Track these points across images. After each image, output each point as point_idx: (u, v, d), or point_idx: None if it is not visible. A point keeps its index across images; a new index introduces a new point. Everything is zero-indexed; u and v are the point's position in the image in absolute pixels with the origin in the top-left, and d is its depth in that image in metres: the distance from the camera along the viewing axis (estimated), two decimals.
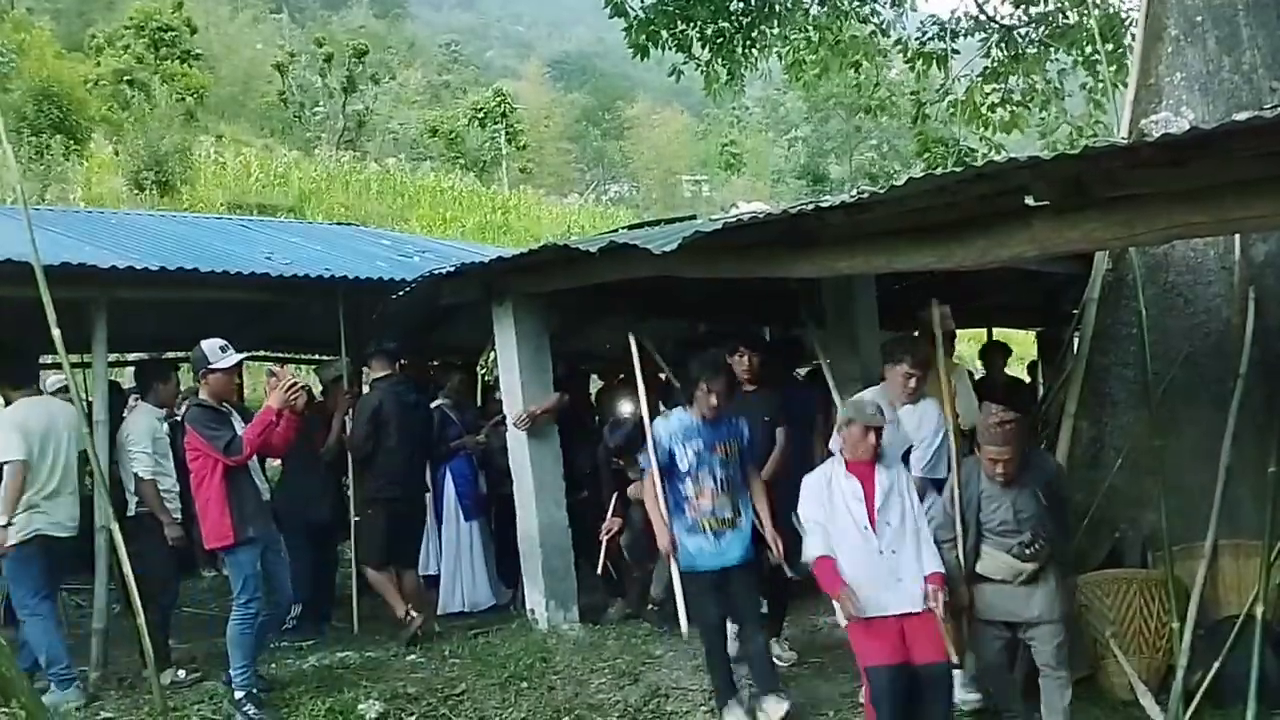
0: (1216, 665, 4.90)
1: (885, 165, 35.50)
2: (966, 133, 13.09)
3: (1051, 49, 11.68)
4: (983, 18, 12.04)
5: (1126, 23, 10.87)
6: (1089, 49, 11.08)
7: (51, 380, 8.71)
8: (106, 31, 36.04)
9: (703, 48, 11.44)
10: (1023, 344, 11.89)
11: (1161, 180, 3.62)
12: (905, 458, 5.05)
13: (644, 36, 10.93)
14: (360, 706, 5.32)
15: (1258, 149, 3.31)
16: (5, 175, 12.67)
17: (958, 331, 8.52)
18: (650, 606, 6.51)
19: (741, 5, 11.32)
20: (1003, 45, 11.92)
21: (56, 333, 5.00)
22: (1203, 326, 5.79)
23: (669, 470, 5.16)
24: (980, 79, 12.14)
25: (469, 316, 7.64)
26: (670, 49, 11.22)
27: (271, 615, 5.73)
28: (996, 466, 4.50)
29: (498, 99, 41.03)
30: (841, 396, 5.88)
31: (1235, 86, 5.94)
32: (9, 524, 5.53)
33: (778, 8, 11.39)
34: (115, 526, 5.30)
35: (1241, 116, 3.15)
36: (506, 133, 39.78)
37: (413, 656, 6.26)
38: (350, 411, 7.10)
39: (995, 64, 12.02)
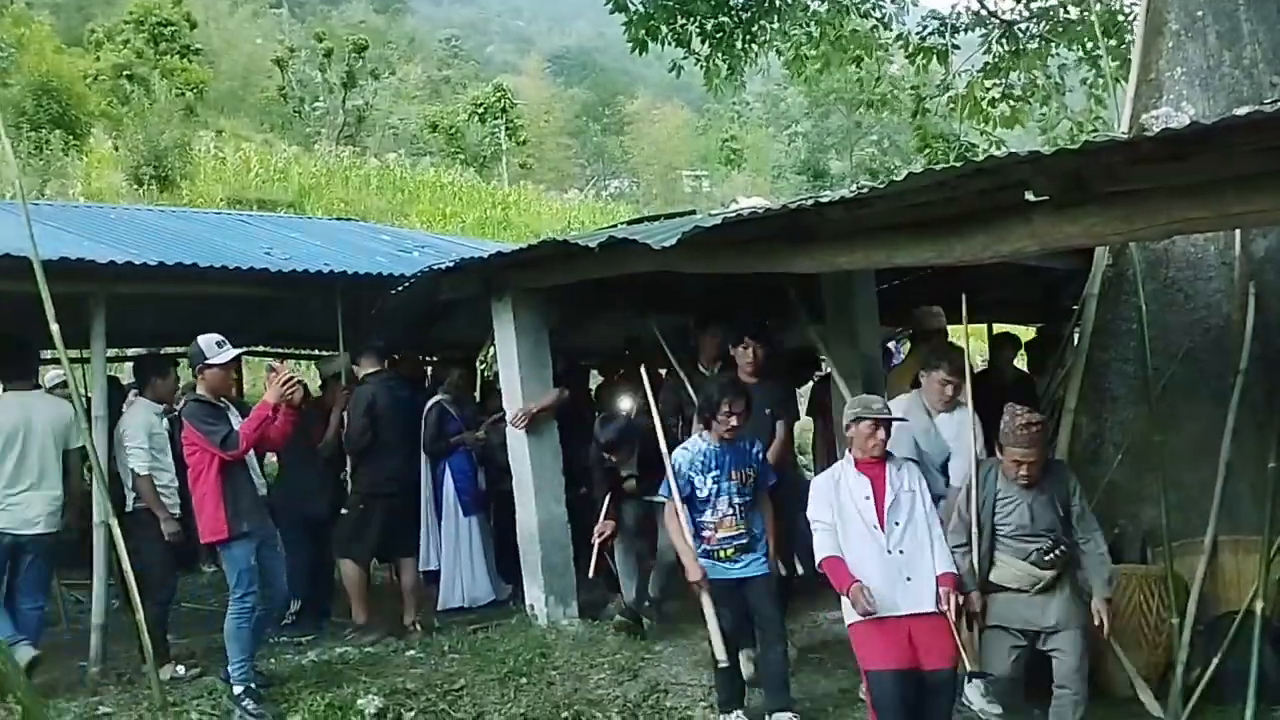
0: (1216, 661, 4.92)
1: (886, 160, 35.50)
2: (967, 128, 13.07)
3: (1052, 44, 11.67)
4: (983, 13, 12.02)
5: (1128, 17, 10.85)
6: (1090, 44, 11.06)
7: (51, 375, 8.71)
8: (106, 26, 36.01)
9: (702, 43, 11.42)
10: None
11: (1162, 175, 3.61)
12: (944, 467, 5.02)
13: (643, 31, 10.91)
14: (359, 701, 5.32)
15: (1258, 144, 3.30)
16: (4, 170, 12.66)
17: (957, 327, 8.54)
18: (646, 603, 6.45)
19: (741, 0, 11.30)
20: (1003, 40, 11.90)
21: (55, 328, 5.01)
22: (1203, 322, 5.78)
23: (688, 500, 5.13)
24: (981, 74, 12.13)
25: (468, 312, 7.62)
26: (670, 44, 11.20)
27: (267, 610, 5.72)
28: (1020, 469, 4.40)
29: (498, 94, 40.98)
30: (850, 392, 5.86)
31: (1236, 81, 5.93)
32: None
33: (778, 3, 11.37)
34: (114, 522, 5.31)
35: (1242, 111, 3.14)
36: (506, 128, 39.75)
37: (412, 652, 6.26)
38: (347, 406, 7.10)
39: (996, 59, 12.00)
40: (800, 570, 5.58)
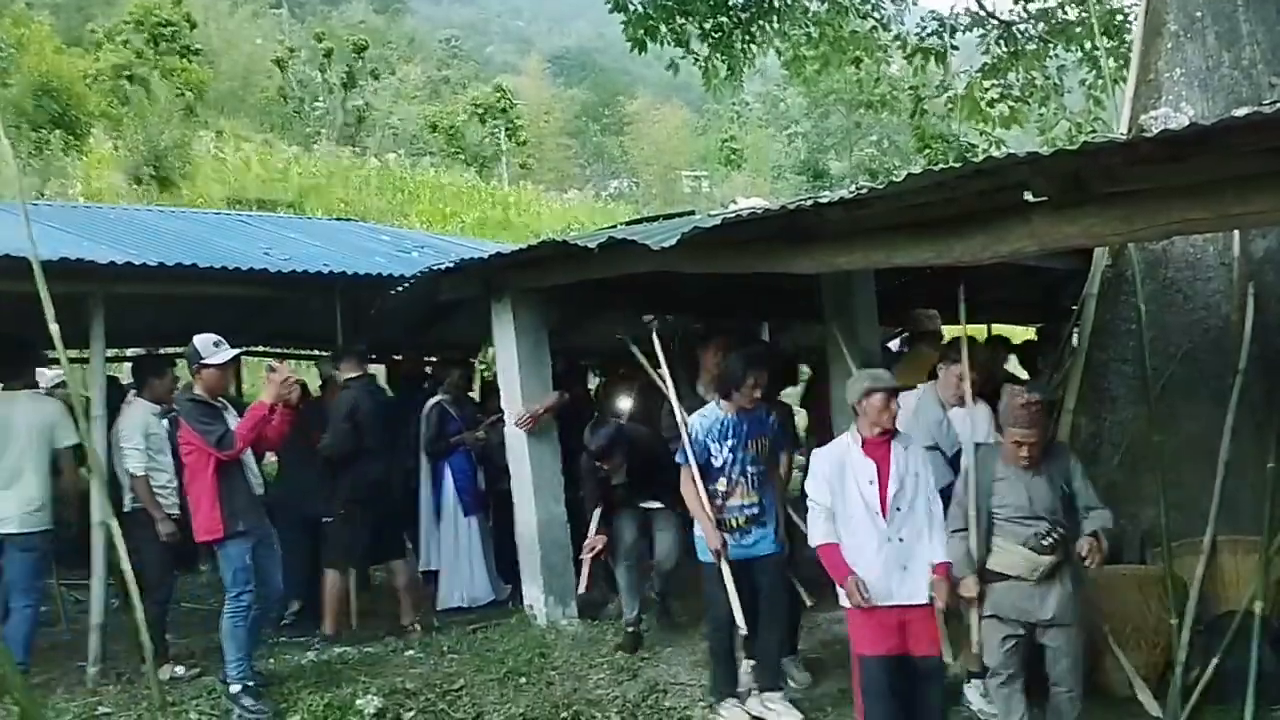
0: (1215, 661, 4.91)
1: (885, 161, 35.46)
2: (966, 128, 13.08)
3: (1051, 45, 11.67)
4: (982, 13, 12.03)
5: (1128, 18, 10.86)
6: (1089, 45, 11.07)
7: (50, 375, 8.70)
8: (106, 26, 35.97)
9: (702, 43, 11.43)
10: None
11: (1161, 176, 3.62)
12: (955, 461, 4.98)
13: (642, 31, 10.91)
14: (359, 701, 5.32)
15: (1257, 144, 3.30)
16: (4, 170, 12.66)
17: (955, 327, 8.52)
18: (653, 595, 6.41)
19: (740, 0, 11.31)
20: (1002, 41, 11.90)
21: (54, 328, 4.99)
22: (1202, 322, 5.78)
23: (702, 467, 5.13)
24: (979, 75, 12.13)
25: (468, 312, 7.63)
26: (669, 44, 11.20)
27: (263, 610, 5.73)
28: (1021, 450, 4.31)
29: (498, 94, 41.00)
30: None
31: (1235, 82, 5.93)
32: None
33: (777, 3, 11.37)
34: (114, 522, 5.31)
35: (1241, 112, 3.14)
36: (506, 128, 39.76)
37: (411, 651, 6.27)
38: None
39: (994, 60, 12.01)
40: (809, 603, 5.52)
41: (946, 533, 4.47)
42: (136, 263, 6.13)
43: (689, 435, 5.17)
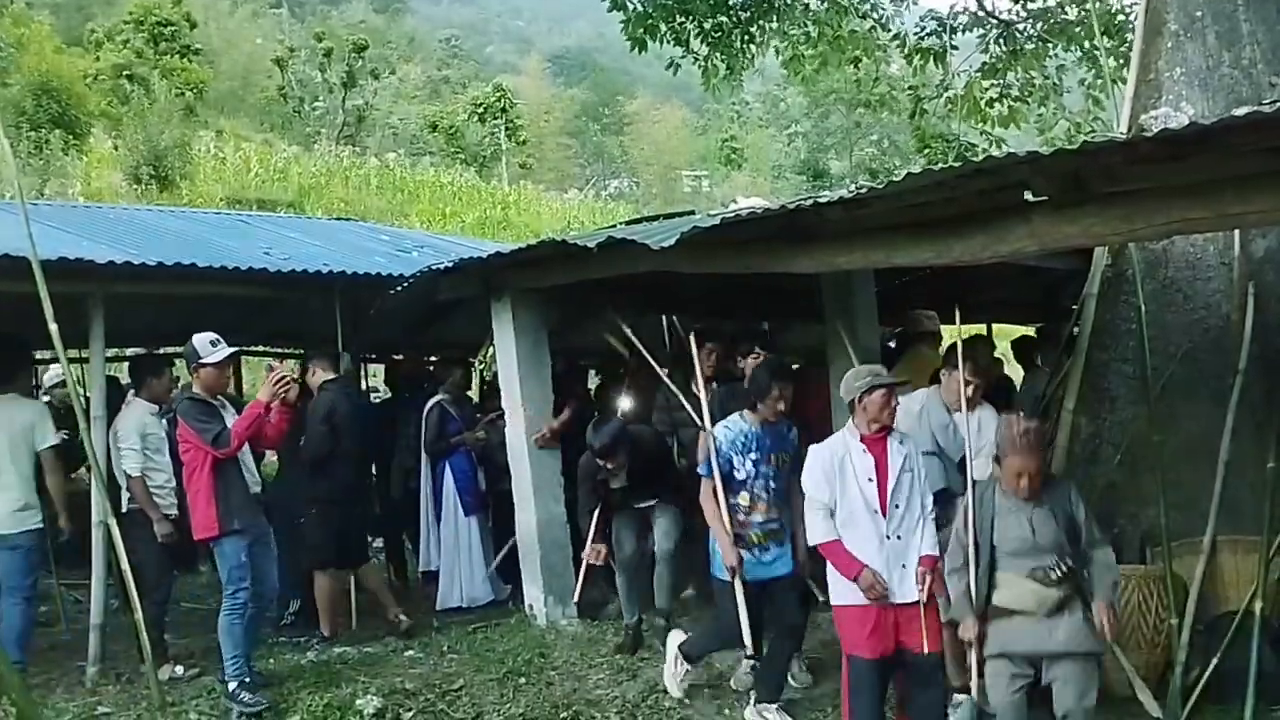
0: (1215, 661, 4.90)
1: (885, 160, 35.52)
2: (966, 128, 13.07)
3: (1050, 44, 11.66)
4: (981, 13, 12.02)
5: (1128, 17, 10.85)
6: (1089, 44, 11.06)
7: (49, 375, 8.70)
8: (106, 26, 36.04)
9: (701, 42, 11.42)
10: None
11: (1161, 175, 3.61)
12: (961, 465, 4.95)
13: (641, 30, 10.91)
14: (358, 702, 5.32)
15: (1257, 144, 3.30)
16: (4, 170, 12.66)
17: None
18: (659, 624, 6.09)
19: (740, 0, 11.30)
20: (1001, 41, 11.89)
21: (54, 328, 5.00)
22: (1202, 322, 5.78)
23: (724, 480, 5.05)
24: (979, 74, 12.12)
25: (467, 312, 7.63)
26: (668, 43, 11.20)
27: (259, 608, 5.73)
28: (1021, 480, 4.13)
29: (497, 94, 41.02)
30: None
31: (1235, 81, 5.92)
32: None
33: (776, 2, 11.36)
34: (113, 522, 5.31)
35: (1241, 111, 3.14)
36: (506, 128, 39.79)
37: (411, 652, 6.27)
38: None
39: (993, 59, 12.00)
40: (821, 599, 5.48)
41: (935, 527, 4.43)
42: (136, 262, 6.12)
43: (714, 446, 5.07)
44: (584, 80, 66.30)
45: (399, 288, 6.97)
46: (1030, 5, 11.82)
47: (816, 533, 4.44)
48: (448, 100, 46.27)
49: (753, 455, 5.03)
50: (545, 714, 5.26)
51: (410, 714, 5.31)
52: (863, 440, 4.43)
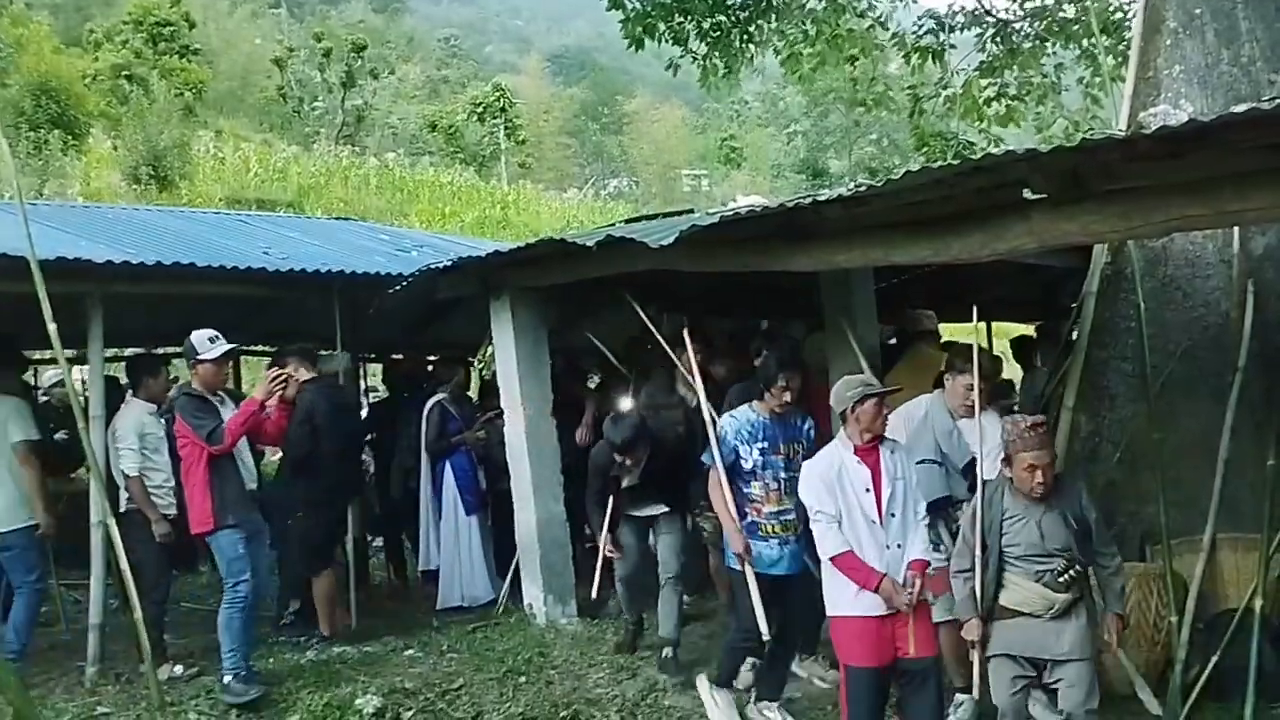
0: (1215, 659, 4.90)
1: (885, 159, 35.52)
2: (964, 126, 13.07)
3: (1047, 43, 11.66)
4: (979, 11, 12.01)
5: (1126, 15, 10.85)
6: (1087, 42, 11.06)
7: (49, 375, 8.70)
8: (105, 26, 36.06)
9: (700, 41, 11.41)
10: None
11: (1160, 173, 3.61)
12: (967, 469, 4.91)
13: (640, 29, 10.90)
14: (358, 701, 5.32)
15: (1256, 141, 3.30)
16: (3, 170, 12.66)
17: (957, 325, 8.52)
18: (665, 654, 5.78)
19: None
20: (998, 39, 11.88)
21: (53, 327, 5.00)
22: (1201, 320, 5.78)
23: (732, 470, 5.01)
24: (977, 73, 12.12)
25: (466, 311, 7.63)
26: (667, 42, 11.19)
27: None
28: (1035, 475, 4.11)
29: (497, 94, 41.05)
30: None
31: (1234, 79, 5.92)
32: None
33: (775, 1, 11.35)
34: (112, 522, 5.31)
35: (1240, 109, 3.14)
36: (505, 128, 39.82)
37: (410, 651, 6.26)
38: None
39: (991, 58, 11.99)
40: None
41: (925, 530, 4.40)
42: (135, 262, 6.11)
43: (718, 436, 5.05)
44: (583, 79, 66.33)
45: (398, 287, 6.96)
46: (1028, 4, 11.82)
47: (828, 545, 4.33)
48: (447, 100, 46.31)
49: (760, 445, 4.99)
50: (545, 713, 5.26)
51: (410, 713, 5.31)
52: (856, 451, 4.39)
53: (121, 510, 5.94)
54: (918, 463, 4.79)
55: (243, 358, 10.53)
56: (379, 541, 8.97)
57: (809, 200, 4.39)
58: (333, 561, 6.77)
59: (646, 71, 48.44)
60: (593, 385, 8.25)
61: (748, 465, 5.00)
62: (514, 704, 5.36)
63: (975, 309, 5.33)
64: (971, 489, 4.80)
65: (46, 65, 25.14)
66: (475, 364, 8.94)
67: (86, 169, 22.62)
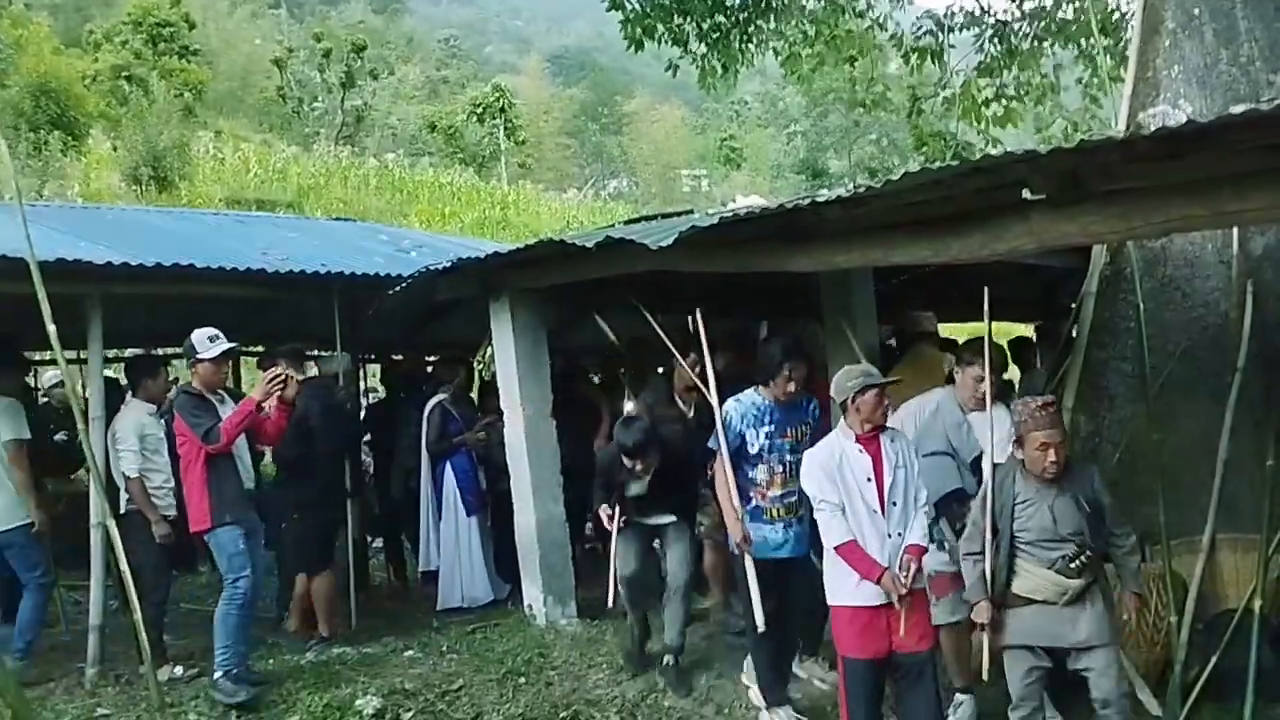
0: (1215, 659, 4.90)
1: (885, 160, 35.52)
2: (964, 126, 13.05)
3: (1046, 43, 11.65)
4: (978, 11, 12.00)
5: (1125, 15, 10.85)
6: (1087, 42, 11.05)
7: (48, 376, 8.69)
8: (104, 27, 36.07)
9: (699, 42, 11.41)
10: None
11: (1159, 173, 3.61)
12: (975, 464, 4.88)
13: (639, 30, 10.90)
14: (358, 702, 5.32)
15: (1255, 142, 3.30)
16: (2, 171, 12.66)
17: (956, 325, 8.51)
18: (667, 661, 5.66)
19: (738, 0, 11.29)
20: (997, 40, 11.87)
21: (52, 328, 4.99)
22: (1201, 320, 5.77)
23: (737, 454, 4.99)
24: (975, 74, 12.10)
25: (466, 312, 7.63)
26: (667, 43, 11.19)
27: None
28: (1048, 454, 4.11)
29: (496, 94, 41.07)
30: None
31: (1233, 79, 5.92)
32: None
33: (774, 2, 11.35)
34: (112, 523, 5.30)
35: (1239, 109, 3.14)
36: (505, 128, 39.84)
37: (410, 652, 6.26)
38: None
39: (989, 59, 11.98)
40: None
41: (925, 518, 4.41)
42: (134, 263, 6.11)
43: (723, 421, 5.01)
44: (583, 80, 66.37)
45: (397, 288, 6.96)
46: (1026, 4, 11.81)
47: (833, 534, 4.33)
48: (446, 100, 46.33)
49: (766, 428, 4.98)
50: (545, 714, 5.26)
51: (410, 714, 5.30)
52: (857, 440, 4.40)
53: (122, 511, 5.96)
54: (929, 454, 4.80)
55: (242, 358, 10.52)
56: (379, 542, 8.96)
57: (808, 201, 4.39)
58: (331, 562, 6.76)
59: (646, 72, 48.42)
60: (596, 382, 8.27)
61: (754, 449, 4.99)
62: (514, 705, 5.36)
63: (987, 303, 5.28)
64: (980, 484, 4.77)
65: (46, 66, 25.16)
66: (476, 364, 8.94)
67: (86, 170, 22.63)
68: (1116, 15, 11.16)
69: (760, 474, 5.00)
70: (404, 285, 6.92)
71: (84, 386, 6.89)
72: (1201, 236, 5.76)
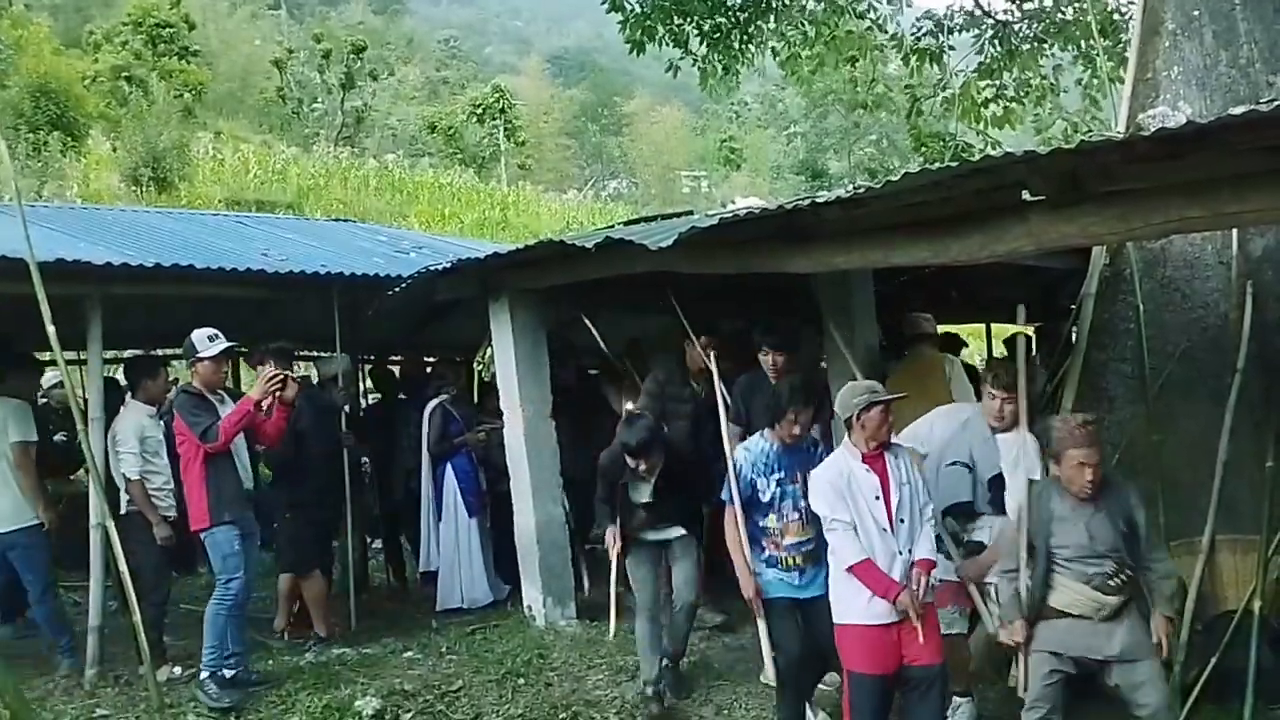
0: (1214, 660, 4.90)
1: (884, 160, 35.47)
2: (963, 127, 13.06)
3: (1046, 44, 11.66)
4: (978, 12, 12.00)
5: (1125, 16, 10.85)
6: (1086, 43, 11.06)
7: (47, 377, 8.68)
8: (104, 28, 36.04)
9: (700, 43, 11.41)
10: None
11: (1158, 174, 3.61)
12: (992, 482, 4.80)
13: (640, 31, 10.91)
14: (357, 703, 5.32)
15: (1254, 143, 3.30)
16: (2, 172, 12.67)
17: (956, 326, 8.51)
18: (665, 664, 5.48)
19: (738, 0, 11.29)
20: (996, 41, 11.88)
21: (52, 329, 5.00)
22: (1200, 321, 5.77)
23: (749, 503, 4.86)
24: (975, 75, 12.11)
25: (465, 312, 7.63)
26: (667, 44, 11.19)
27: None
28: (1085, 473, 4.10)
29: (496, 95, 41.05)
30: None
31: (1232, 81, 5.92)
32: None
33: (774, 3, 11.35)
34: (111, 524, 5.31)
35: (1238, 110, 3.14)
36: (505, 129, 39.82)
37: (409, 653, 6.27)
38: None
39: (989, 60, 11.98)
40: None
41: (933, 528, 4.40)
42: (134, 264, 6.11)
43: (734, 469, 4.88)
44: (583, 81, 66.36)
45: (397, 289, 6.97)
46: (1026, 5, 11.81)
47: (847, 553, 4.27)
48: (446, 101, 46.32)
49: (776, 475, 4.83)
50: (544, 715, 5.26)
51: (409, 715, 5.31)
52: (864, 459, 4.35)
53: (122, 512, 5.96)
54: (949, 464, 4.78)
55: (242, 359, 10.52)
56: (378, 543, 8.96)
57: (808, 202, 4.39)
58: (322, 563, 6.76)
59: (646, 73, 48.40)
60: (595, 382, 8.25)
61: (765, 497, 4.83)
62: (513, 706, 5.37)
63: (1023, 309, 5.13)
64: (991, 503, 4.78)
65: (46, 67, 25.12)
66: (476, 365, 8.94)
67: (86, 170, 22.61)
68: (1116, 16, 11.16)
69: (771, 523, 4.84)
70: (404, 286, 6.92)
71: (84, 387, 6.88)
72: (1201, 238, 5.75)
